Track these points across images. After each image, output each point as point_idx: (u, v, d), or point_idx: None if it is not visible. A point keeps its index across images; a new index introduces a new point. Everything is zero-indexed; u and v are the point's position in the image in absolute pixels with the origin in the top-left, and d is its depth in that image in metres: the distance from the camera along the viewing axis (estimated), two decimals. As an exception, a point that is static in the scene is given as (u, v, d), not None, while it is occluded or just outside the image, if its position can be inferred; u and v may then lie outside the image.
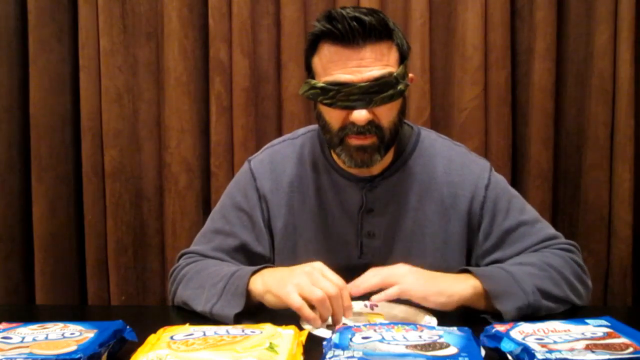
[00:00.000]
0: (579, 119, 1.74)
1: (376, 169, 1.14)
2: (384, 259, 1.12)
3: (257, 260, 1.16)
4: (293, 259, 1.10)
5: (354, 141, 1.06)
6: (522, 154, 1.75)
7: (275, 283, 0.97)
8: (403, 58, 1.07)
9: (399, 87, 1.03)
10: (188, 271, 1.13)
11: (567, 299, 1.04)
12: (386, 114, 1.05)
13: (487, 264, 1.13)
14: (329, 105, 1.04)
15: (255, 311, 1.00)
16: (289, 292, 0.92)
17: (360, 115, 1.02)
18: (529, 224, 1.13)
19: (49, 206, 1.77)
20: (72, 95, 1.78)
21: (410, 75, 1.09)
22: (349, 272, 1.17)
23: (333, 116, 1.06)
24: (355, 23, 1.00)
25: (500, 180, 1.19)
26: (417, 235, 1.14)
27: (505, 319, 0.95)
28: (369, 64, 1.02)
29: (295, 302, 0.91)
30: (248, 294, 0.99)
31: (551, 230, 1.15)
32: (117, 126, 1.76)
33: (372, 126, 1.04)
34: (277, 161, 1.20)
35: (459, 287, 0.98)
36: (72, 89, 1.78)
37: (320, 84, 1.04)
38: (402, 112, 1.10)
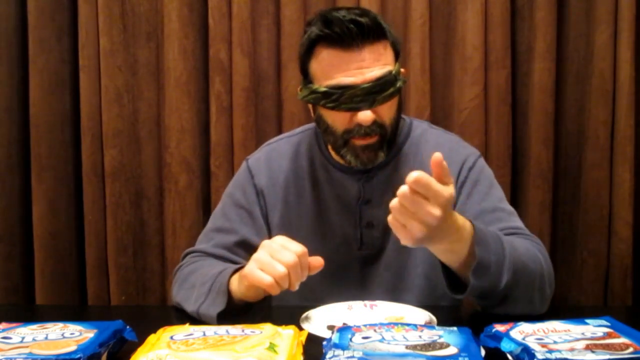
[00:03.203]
0: (579, 119, 1.73)
1: None
2: (384, 249, 1.12)
3: None
4: None
5: (360, 142, 1.07)
6: (522, 153, 1.75)
7: (245, 269, 0.94)
8: (397, 54, 1.09)
9: (397, 84, 1.06)
10: (185, 273, 1.13)
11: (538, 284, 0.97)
12: (387, 111, 1.07)
13: None
14: (333, 108, 1.05)
15: (239, 312, 0.97)
16: (251, 270, 0.90)
17: (365, 116, 1.04)
18: (505, 212, 1.13)
19: (49, 206, 1.76)
20: (72, 95, 1.78)
21: (402, 70, 1.11)
22: (348, 265, 1.17)
23: (337, 119, 1.07)
24: (352, 26, 1.01)
25: (487, 170, 1.18)
26: None
27: (476, 270, 0.88)
28: (369, 65, 1.03)
29: (264, 279, 0.88)
30: (230, 292, 0.97)
31: (522, 225, 1.12)
32: (117, 126, 1.76)
33: (377, 126, 1.06)
34: (273, 158, 1.22)
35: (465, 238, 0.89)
36: (72, 88, 1.78)
37: (323, 89, 1.04)
38: (400, 107, 1.12)
